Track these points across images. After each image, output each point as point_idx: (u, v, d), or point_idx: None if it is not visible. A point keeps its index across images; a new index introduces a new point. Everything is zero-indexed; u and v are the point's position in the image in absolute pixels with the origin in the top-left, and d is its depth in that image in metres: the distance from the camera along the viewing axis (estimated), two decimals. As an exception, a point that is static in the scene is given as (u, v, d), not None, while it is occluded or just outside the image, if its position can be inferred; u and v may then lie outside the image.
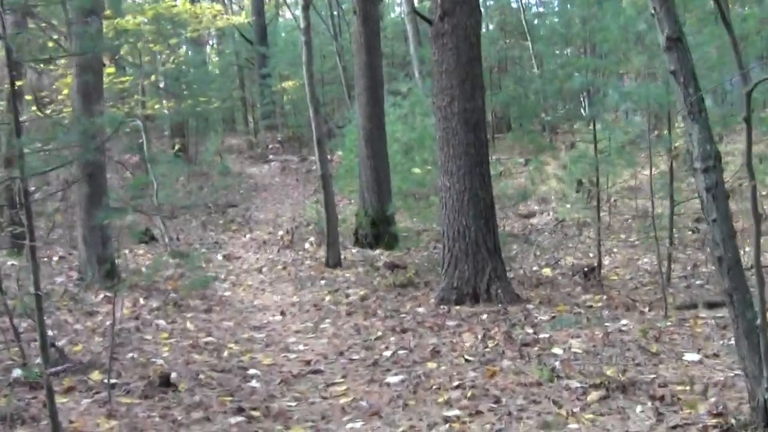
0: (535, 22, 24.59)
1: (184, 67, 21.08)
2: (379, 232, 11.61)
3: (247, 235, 13.92)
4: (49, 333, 6.40)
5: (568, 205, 13.64)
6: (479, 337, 6.31)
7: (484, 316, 7.01)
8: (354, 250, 11.47)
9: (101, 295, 7.97)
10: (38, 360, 5.27)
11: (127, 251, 11.51)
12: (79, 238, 8.37)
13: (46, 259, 10.05)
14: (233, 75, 29.53)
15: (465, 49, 7.39)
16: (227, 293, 8.98)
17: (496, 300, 7.40)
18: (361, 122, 11.80)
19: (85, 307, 7.54)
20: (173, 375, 5.17)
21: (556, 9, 24.49)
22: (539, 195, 14.66)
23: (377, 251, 11.35)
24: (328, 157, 15.79)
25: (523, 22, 22.97)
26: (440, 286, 7.61)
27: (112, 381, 4.86)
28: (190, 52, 29.16)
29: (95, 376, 5.19)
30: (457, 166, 7.41)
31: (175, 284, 8.87)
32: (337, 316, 7.59)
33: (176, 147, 19.90)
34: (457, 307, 7.36)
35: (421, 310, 7.42)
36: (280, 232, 13.35)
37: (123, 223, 13.91)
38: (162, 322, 7.15)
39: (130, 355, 5.90)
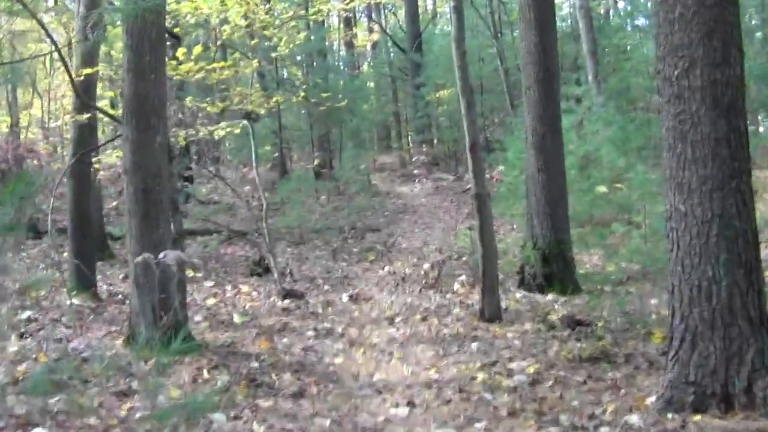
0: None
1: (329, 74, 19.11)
2: (552, 270, 8.64)
3: (386, 268, 11.31)
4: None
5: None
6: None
7: (746, 440, 4.02)
8: (518, 295, 8.55)
9: (153, 361, 5.57)
10: None
11: (228, 287, 9.24)
12: (130, 277, 6.01)
13: (120, 296, 7.91)
14: (385, 88, 27.56)
15: (712, -18, 4.41)
16: (338, 359, 6.35)
17: (763, 407, 4.32)
18: (529, 124, 8.90)
19: (121, 382, 5.16)
20: None
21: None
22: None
23: (549, 297, 8.39)
24: (486, 173, 13.04)
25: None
26: (666, 378, 4.58)
27: None
28: (342, 67, 27.48)
29: None
30: (699, 178, 4.41)
31: (266, 345, 6.37)
32: (494, 415, 4.77)
33: (316, 162, 17.80)
34: (697, 418, 4.32)
35: (633, 419, 4.43)
36: (426, 265, 10.63)
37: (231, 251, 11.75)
38: (219, 418, 4.60)
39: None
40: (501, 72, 19.41)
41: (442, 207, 17.28)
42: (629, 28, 23.90)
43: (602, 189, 10.04)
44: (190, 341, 6.08)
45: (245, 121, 9.68)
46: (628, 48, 21.40)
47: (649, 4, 23.73)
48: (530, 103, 8.88)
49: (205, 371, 5.52)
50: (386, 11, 32.86)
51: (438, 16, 30.92)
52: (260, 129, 19.80)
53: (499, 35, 20.11)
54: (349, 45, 30.86)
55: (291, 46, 10.31)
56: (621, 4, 26.02)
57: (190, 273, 9.98)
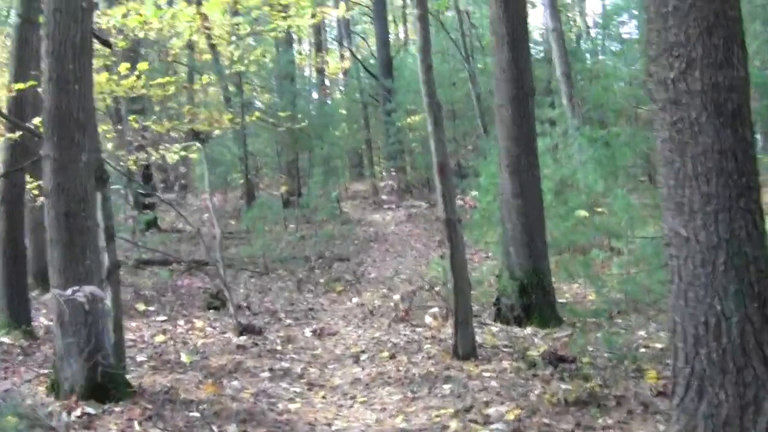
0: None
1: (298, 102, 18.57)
2: (530, 301, 8.01)
3: (354, 299, 10.65)
4: None
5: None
6: None
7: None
8: (495, 329, 7.90)
9: (78, 412, 4.83)
10: None
11: (181, 322, 8.52)
12: (54, 316, 5.27)
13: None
14: (357, 114, 27.09)
15: (712, -28, 3.84)
16: (293, 405, 5.65)
17: (784, 463, 3.69)
18: (503, 146, 8.31)
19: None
20: None
21: None
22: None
23: (528, 330, 7.75)
24: (459, 198, 12.46)
25: None
26: (671, 430, 3.93)
27: None
28: (313, 93, 26.93)
29: None
30: (702, 197, 3.81)
31: (211, 389, 5.65)
32: (469, 474, 4.11)
33: (283, 188, 17.13)
34: (707, 477, 3.70)
35: (633, 479, 3.81)
36: (396, 297, 9.97)
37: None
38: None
39: None
40: (473, 96, 18.95)
41: (414, 235, 16.67)
42: (601, 56, 23.66)
43: (583, 213, 9.46)
44: (123, 387, 5.36)
45: (197, 144, 9.00)
46: (601, 75, 21.13)
47: (620, 29, 23.54)
48: (504, 123, 8.30)
49: (136, 424, 4.78)
50: (357, 38, 32.53)
51: (409, 42, 30.62)
52: (226, 155, 19.15)
53: (471, 59, 19.67)
54: (320, 71, 30.40)
55: (246, 62, 9.70)
56: (594, 33, 25.79)
57: (141, 307, 9.26)
